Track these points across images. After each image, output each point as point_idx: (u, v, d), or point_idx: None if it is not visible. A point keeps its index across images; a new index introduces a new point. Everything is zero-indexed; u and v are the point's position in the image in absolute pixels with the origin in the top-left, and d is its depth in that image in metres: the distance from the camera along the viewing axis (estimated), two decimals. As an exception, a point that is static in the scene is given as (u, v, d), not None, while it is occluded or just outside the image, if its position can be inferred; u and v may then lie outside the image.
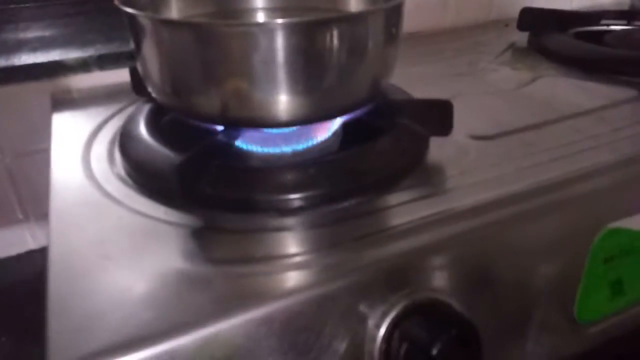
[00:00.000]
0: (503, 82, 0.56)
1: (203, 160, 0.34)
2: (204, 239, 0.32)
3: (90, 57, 0.55)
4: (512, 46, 0.69)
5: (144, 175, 0.37)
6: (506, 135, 0.44)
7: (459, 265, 0.32)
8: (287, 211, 0.34)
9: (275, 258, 0.30)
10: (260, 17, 0.50)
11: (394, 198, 0.36)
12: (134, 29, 0.35)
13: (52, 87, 0.56)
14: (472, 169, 0.39)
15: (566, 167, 0.39)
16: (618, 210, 0.37)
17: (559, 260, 0.36)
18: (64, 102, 0.55)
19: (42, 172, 0.56)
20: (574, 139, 0.43)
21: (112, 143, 0.45)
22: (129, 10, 0.33)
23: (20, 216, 0.60)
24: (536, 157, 0.41)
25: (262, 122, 0.35)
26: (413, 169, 0.39)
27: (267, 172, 0.35)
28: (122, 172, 0.39)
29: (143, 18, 0.34)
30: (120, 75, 0.57)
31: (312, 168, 0.35)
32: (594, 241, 0.36)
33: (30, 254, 0.62)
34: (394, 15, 0.36)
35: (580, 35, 0.66)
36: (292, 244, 0.31)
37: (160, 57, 0.35)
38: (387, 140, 0.38)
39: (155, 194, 0.36)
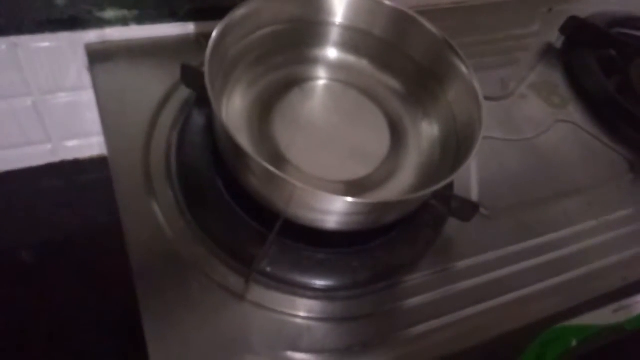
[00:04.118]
0: (527, 120, 0.60)
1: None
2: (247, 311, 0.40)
3: (130, 12, 0.52)
4: (547, 51, 0.69)
5: (215, 233, 0.42)
6: (512, 210, 0.52)
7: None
8: (327, 296, 0.42)
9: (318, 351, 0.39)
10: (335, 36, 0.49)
11: (410, 279, 0.44)
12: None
13: (86, 37, 0.53)
14: (473, 249, 0.47)
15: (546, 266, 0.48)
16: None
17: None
18: (101, 55, 0.53)
19: (66, 107, 0.58)
20: (569, 224, 0.52)
21: (168, 152, 0.47)
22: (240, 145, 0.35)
23: (43, 137, 0.62)
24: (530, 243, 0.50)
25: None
26: (429, 249, 0.46)
27: (316, 260, 0.42)
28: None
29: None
30: (154, 30, 0.55)
31: (355, 261, 0.42)
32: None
33: (51, 165, 0.66)
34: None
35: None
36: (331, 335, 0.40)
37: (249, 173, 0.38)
38: (412, 227, 0.45)
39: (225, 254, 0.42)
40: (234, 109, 0.45)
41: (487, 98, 0.61)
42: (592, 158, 0.59)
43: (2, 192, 0.67)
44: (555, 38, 0.71)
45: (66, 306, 0.64)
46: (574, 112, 0.63)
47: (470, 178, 0.53)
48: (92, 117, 0.60)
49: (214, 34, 0.39)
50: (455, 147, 0.43)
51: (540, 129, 0.60)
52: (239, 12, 0.41)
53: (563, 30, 0.69)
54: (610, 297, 0.50)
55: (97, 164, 0.68)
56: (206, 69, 0.37)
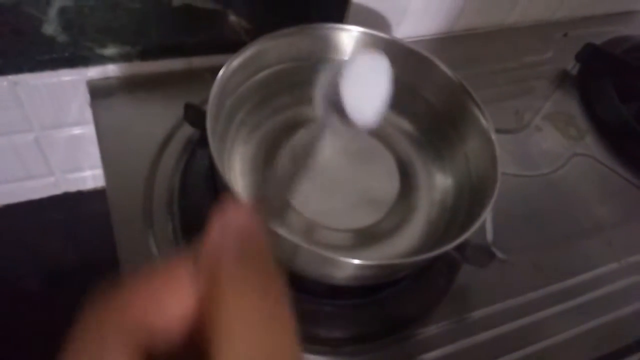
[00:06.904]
0: (543, 154, 0.58)
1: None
2: None
3: (133, 48, 0.51)
4: (563, 79, 0.67)
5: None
6: (530, 252, 0.49)
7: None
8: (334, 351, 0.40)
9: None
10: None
11: (423, 332, 0.42)
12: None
13: (88, 73, 0.52)
14: (490, 297, 0.45)
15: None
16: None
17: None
18: (103, 91, 0.52)
19: (68, 141, 0.57)
20: (590, 267, 0.49)
21: (170, 195, 0.45)
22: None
23: (45, 171, 0.61)
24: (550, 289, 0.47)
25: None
26: (443, 298, 0.44)
27: (323, 313, 0.40)
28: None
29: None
30: (157, 66, 0.53)
31: (364, 313, 0.40)
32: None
33: (53, 197, 0.65)
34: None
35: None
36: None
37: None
38: (425, 276, 0.43)
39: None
40: (237, 153, 0.43)
41: (502, 131, 0.59)
42: (611, 194, 0.57)
43: (5, 225, 0.66)
44: (571, 65, 0.68)
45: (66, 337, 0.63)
46: (592, 145, 0.61)
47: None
48: (95, 150, 0.59)
49: (218, 77, 0.37)
50: (468, 195, 0.41)
51: (557, 164, 0.57)
52: (244, 54, 0.39)
53: (579, 57, 0.67)
54: (637, 345, 0.47)
55: (100, 195, 0.67)
56: (208, 116, 0.35)
